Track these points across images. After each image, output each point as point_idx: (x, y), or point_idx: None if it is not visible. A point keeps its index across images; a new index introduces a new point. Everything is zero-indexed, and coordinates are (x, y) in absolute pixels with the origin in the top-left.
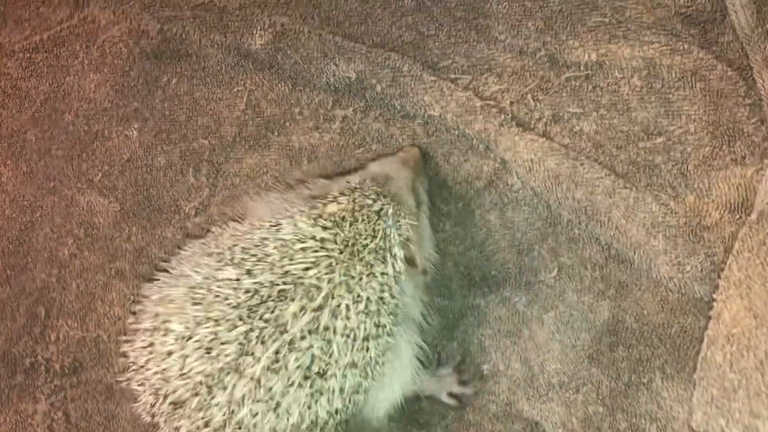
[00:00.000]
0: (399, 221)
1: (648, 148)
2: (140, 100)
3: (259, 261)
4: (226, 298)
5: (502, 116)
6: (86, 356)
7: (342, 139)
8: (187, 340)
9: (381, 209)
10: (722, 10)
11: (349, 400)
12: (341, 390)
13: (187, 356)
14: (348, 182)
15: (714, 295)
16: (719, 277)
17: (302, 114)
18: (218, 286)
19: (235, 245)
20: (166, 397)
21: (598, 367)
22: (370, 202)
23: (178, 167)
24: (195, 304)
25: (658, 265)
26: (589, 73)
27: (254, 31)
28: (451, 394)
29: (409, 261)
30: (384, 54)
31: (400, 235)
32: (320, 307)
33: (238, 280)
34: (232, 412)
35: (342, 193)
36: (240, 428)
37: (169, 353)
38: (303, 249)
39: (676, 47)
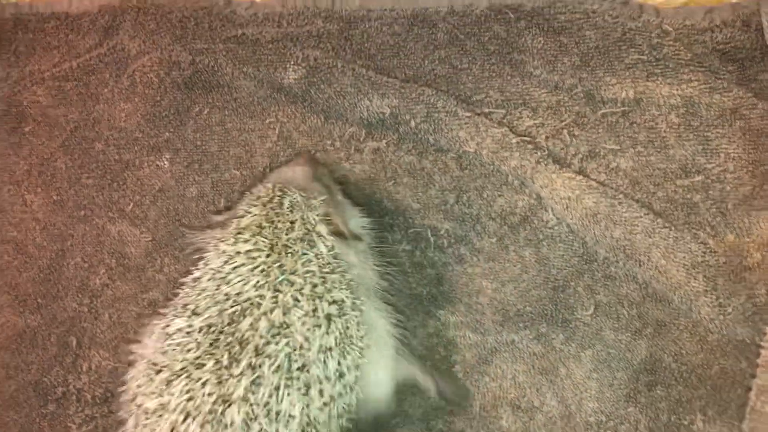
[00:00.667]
0: (311, 203)
1: (686, 186)
2: (172, 130)
3: (199, 299)
4: (185, 347)
5: (539, 153)
6: (118, 386)
7: (373, 171)
8: (167, 405)
9: (290, 202)
10: (762, 48)
11: (342, 385)
12: (327, 377)
13: (175, 417)
14: (252, 194)
15: (761, 341)
16: (761, 320)
17: (334, 145)
18: (172, 341)
19: (176, 299)
20: None
21: (636, 406)
22: (277, 200)
23: (209, 198)
24: (158, 372)
25: (698, 306)
26: (626, 110)
27: (287, 66)
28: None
29: (338, 233)
30: (418, 89)
31: (317, 215)
32: (270, 310)
33: (189, 325)
34: None
35: (251, 205)
36: None
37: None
38: (234, 268)
39: (715, 85)
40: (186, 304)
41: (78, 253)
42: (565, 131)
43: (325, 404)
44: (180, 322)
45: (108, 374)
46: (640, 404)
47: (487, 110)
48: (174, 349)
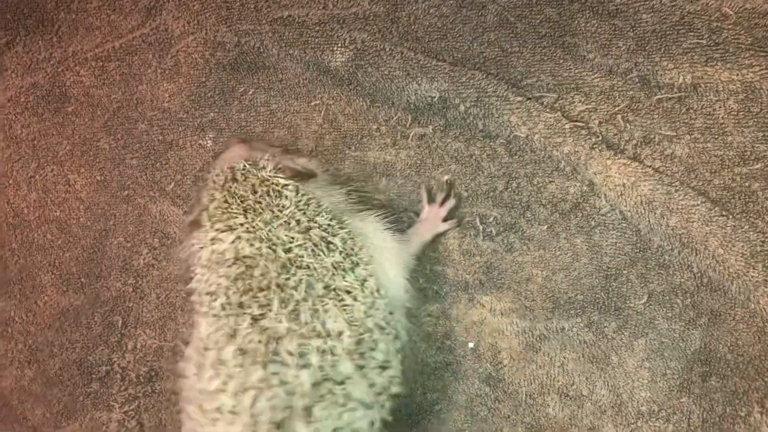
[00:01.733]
0: (259, 165)
1: (744, 174)
2: (216, 110)
3: (211, 287)
4: (220, 329)
5: (593, 139)
6: (162, 365)
7: (419, 157)
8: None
9: (242, 173)
10: None
11: (369, 292)
12: (352, 286)
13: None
14: (206, 184)
15: None
16: None
17: (379, 130)
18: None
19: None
20: None
21: (690, 397)
22: (230, 176)
23: None
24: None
25: (757, 296)
26: (682, 95)
27: (334, 48)
28: (444, 220)
29: (294, 176)
30: (468, 73)
31: (269, 170)
32: (273, 253)
33: (213, 310)
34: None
35: (211, 191)
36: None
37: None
38: (221, 244)
39: None
40: (207, 293)
41: (120, 232)
42: (618, 116)
43: (365, 313)
44: (204, 317)
45: (153, 353)
46: (694, 395)
47: (538, 94)
48: (212, 335)
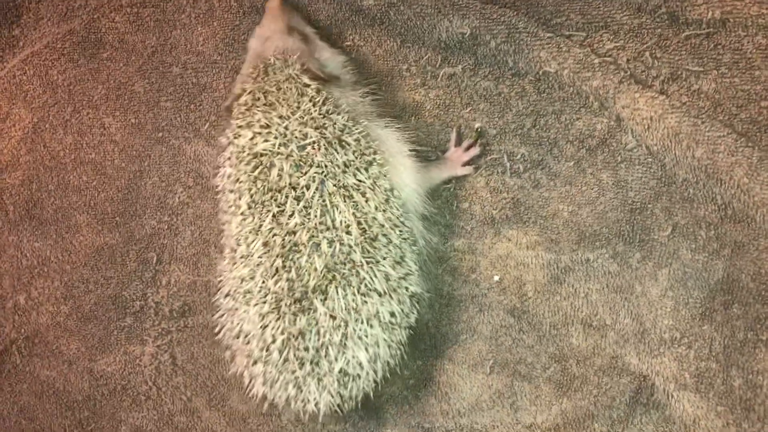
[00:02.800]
0: (288, 62)
1: None
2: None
3: (235, 183)
4: (247, 225)
5: (621, 73)
6: (196, 300)
7: (448, 97)
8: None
9: (272, 69)
10: None
11: (381, 191)
12: (363, 185)
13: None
14: (241, 74)
15: None
16: None
17: (409, 71)
18: (238, 229)
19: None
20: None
21: (712, 324)
22: (262, 70)
23: None
24: (236, 250)
25: None
26: (710, 31)
27: None
28: (464, 164)
29: (316, 78)
30: (499, 10)
31: (296, 69)
32: (288, 150)
33: (239, 207)
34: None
35: (243, 83)
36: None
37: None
38: (243, 138)
39: None
40: (231, 191)
41: (155, 173)
42: (647, 53)
43: (376, 209)
44: (232, 217)
45: (186, 288)
46: (716, 322)
47: (567, 33)
48: (240, 232)
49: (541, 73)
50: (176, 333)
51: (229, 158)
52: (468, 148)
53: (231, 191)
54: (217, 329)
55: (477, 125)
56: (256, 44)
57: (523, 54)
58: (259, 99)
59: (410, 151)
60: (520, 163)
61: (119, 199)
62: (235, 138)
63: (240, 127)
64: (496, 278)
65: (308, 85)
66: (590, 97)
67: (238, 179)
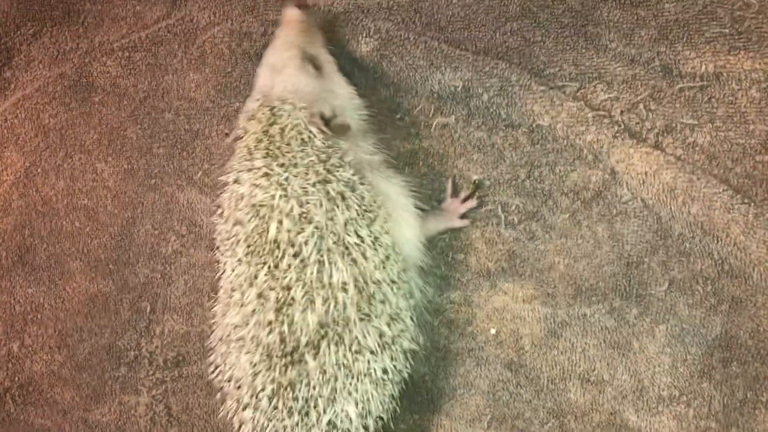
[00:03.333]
0: (297, 106)
1: (766, 161)
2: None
3: (231, 227)
4: (240, 274)
5: (615, 128)
6: (190, 350)
7: (442, 147)
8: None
9: (277, 112)
10: None
11: (382, 248)
12: (363, 243)
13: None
14: (246, 111)
15: None
16: None
17: (402, 120)
18: (231, 275)
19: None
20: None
21: (710, 382)
22: (267, 112)
23: None
24: (231, 297)
25: None
26: (704, 84)
27: (360, 38)
28: (460, 217)
29: (325, 128)
30: (491, 62)
31: (304, 117)
32: (287, 206)
33: (236, 255)
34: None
35: (247, 122)
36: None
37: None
38: (242, 184)
39: None
40: (228, 234)
41: (148, 220)
42: (641, 105)
43: (375, 267)
44: (229, 258)
45: (180, 338)
46: (715, 380)
47: (560, 83)
48: (236, 279)
49: (534, 125)
50: (171, 383)
51: (228, 201)
52: (465, 200)
53: (229, 235)
54: (209, 370)
55: (474, 177)
56: (265, 75)
57: (516, 107)
58: (261, 142)
59: (414, 205)
60: (514, 214)
61: (112, 246)
62: (234, 183)
63: (240, 171)
64: (493, 331)
65: (314, 136)
66: (584, 149)
67: (235, 224)
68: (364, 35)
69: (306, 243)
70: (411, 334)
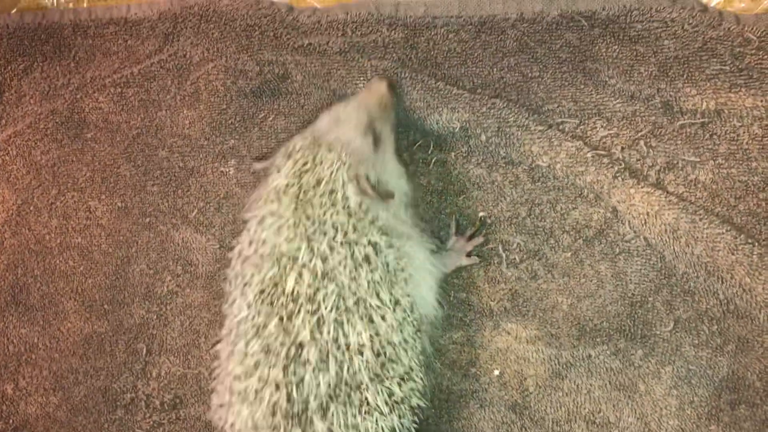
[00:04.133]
0: (343, 162)
1: None
2: (237, 137)
3: (246, 269)
4: (250, 320)
5: (615, 167)
6: (187, 392)
7: (441, 184)
8: (248, 364)
9: (321, 159)
10: None
11: (401, 310)
12: (384, 305)
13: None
14: (288, 145)
15: None
16: None
17: (401, 156)
18: (239, 315)
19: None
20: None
21: (719, 425)
22: (310, 157)
23: None
24: (235, 345)
25: None
26: (705, 121)
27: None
28: (468, 255)
29: (365, 193)
30: (488, 102)
31: (347, 176)
32: (310, 261)
33: (246, 298)
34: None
35: (285, 158)
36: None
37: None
38: (264, 228)
39: None
40: (242, 281)
41: (143, 259)
42: (641, 142)
43: (392, 330)
44: (238, 298)
45: (177, 380)
46: (723, 423)
47: (559, 120)
48: (242, 324)
49: (534, 165)
50: (168, 425)
51: (247, 240)
52: (471, 237)
53: (241, 273)
54: (211, 409)
55: (480, 214)
56: (325, 120)
57: (515, 147)
58: (291, 187)
59: (434, 266)
60: (516, 253)
61: (107, 285)
62: (259, 224)
63: (267, 214)
64: (496, 372)
65: (348, 198)
66: (585, 189)
67: (252, 266)
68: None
69: (325, 301)
70: (421, 392)
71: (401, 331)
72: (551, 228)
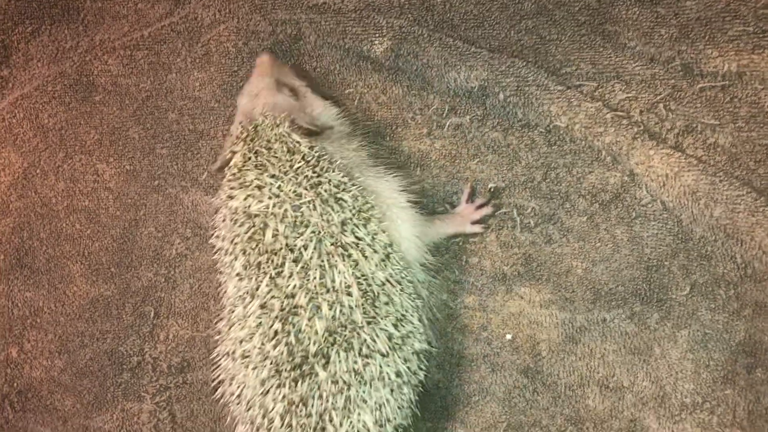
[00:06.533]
0: (276, 121)
1: None
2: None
3: (230, 244)
4: (245, 287)
5: (635, 129)
6: (195, 356)
7: (455, 148)
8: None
9: (261, 128)
10: None
11: (381, 246)
12: (362, 241)
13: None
14: (230, 134)
15: None
16: None
17: (414, 120)
18: (235, 289)
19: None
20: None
21: (734, 388)
22: (251, 131)
23: None
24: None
25: None
26: (726, 84)
27: (374, 39)
28: (473, 222)
29: (308, 132)
30: (507, 61)
31: (286, 127)
32: (282, 212)
33: (235, 269)
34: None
35: (233, 144)
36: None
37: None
38: (236, 199)
39: None
40: (227, 252)
41: (151, 222)
42: (660, 105)
43: (377, 266)
44: (229, 277)
45: (185, 343)
46: (739, 386)
47: (577, 83)
48: (237, 294)
49: (551, 126)
50: (175, 389)
51: (223, 220)
52: (480, 207)
53: (226, 253)
54: (216, 390)
55: (491, 185)
56: (244, 102)
57: (533, 107)
58: (250, 159)
59: (409, 201)
60: (530, 217)
61: (114, 249)
62: (228, 199)
63: (233, 188)
64: (509, 337)
65: (299, 143)
66: (602, 151)
67: (232, 241)
68: (377, 34)
69: (305, 247)
70: (421, 335)
71: (386, 268)
72: (567, 192)
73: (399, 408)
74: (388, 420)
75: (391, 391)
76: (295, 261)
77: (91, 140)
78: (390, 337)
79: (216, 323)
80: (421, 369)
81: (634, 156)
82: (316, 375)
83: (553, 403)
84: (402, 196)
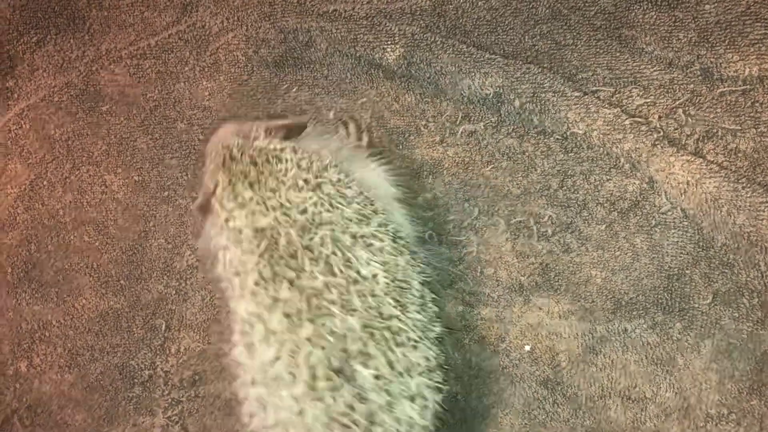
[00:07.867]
0: (249, 135)
1: None
2: (260, 109)
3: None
4: (262, 298)
5: (654, 135)
6: (207, 369)
7: (468, 155)
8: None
9: (234, 145)
10: None
11: (388, 231)
12: (378, 233)
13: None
14: (207, 170)
15: None
16: None
17: (427, 127)
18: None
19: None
20: None
21: (761, 399)
22: (225, 153)
23: None
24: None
25: None
26: (747, 88)
27: (386, 46)
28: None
29: (288, 133)
30: (523, 67)
31: (260, 137)
32: (291, 220)
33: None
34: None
35: (213, 174)
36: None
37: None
38: (236, 217)
39: None
40: (234, 273)
41: (161, 234)
42: (679, 110)
43: (395, 250)
44: (238, 300)
45: (197, 356)
46: (765, 397)
47: (594, 88)
48: (252, 314)
49: (568, 133)
50: (187, 403)
51: (225, 245)
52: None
53: (236, 274)
54: (245, 421)
55: (527, 347)
56: (211, 142)
57: (550, 114)
58: (240, 181)
59: (399, 185)
60: (547, 226)
61: (123, 261)
62: (227, 222)
63: (231, 210)
64: (527, 348)
65: (282, 149)
66: (621, 158)
67: (241, 260)
68: (389, 42)
69: (323, 245)
70: (437, 317)
71: (402, 254)
72: (584, 200)
73: (435, 392)
74: (427, 407)
75: (424, 376)
76: (315, 260)
77: (98, 151)
78: (416, 324)
79: (231, 351)
80: (442, 353)
81: (653, 163)
82: (355, 379)
83: (573, 414)
84: (389, 183)
